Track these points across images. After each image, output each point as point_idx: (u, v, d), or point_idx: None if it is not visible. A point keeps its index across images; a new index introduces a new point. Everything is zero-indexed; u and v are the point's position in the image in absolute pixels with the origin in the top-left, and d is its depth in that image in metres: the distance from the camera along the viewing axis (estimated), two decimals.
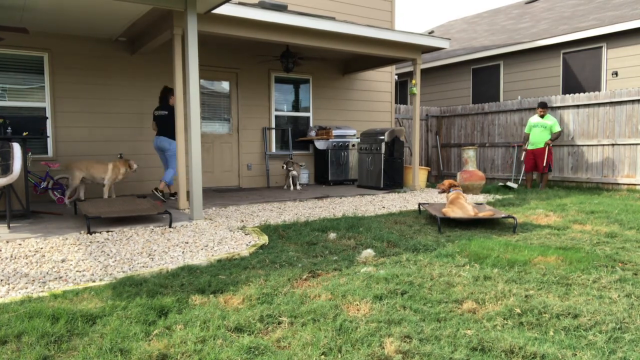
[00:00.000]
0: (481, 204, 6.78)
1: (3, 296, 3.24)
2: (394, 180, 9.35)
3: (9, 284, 3.48)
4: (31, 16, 6.77)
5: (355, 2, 10.71)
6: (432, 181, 12.33)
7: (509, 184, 9.61)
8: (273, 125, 10.13)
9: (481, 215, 5.71)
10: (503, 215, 5.74)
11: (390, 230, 5.36)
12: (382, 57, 9.75)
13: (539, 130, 9.36)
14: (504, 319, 2.83)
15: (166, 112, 7.35)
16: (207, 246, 4.66)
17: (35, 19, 6.94)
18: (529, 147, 9.50)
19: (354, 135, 10.46)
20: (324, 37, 8.11)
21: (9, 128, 6.20)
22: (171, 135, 7.24)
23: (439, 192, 6.55)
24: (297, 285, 3.48)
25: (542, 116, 9.32)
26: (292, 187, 9.40)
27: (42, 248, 4.46)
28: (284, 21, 7.46)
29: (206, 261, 4.08)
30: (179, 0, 5.80)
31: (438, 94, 15.31)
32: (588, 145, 9.75)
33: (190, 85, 5.93)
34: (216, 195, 8.41)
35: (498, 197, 8.51)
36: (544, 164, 9.32)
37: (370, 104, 11.45)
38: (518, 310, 2.92)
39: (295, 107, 10.53)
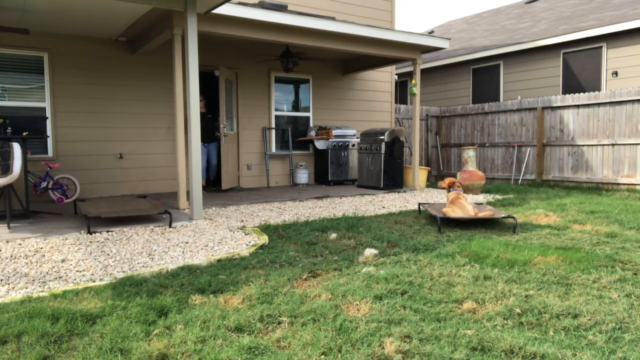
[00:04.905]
0: (481, 203, 6.78)
1: (3, 296, 3.24)
2: (394, 180, 9.35)
3: (9, 284, 3.48)
4: (31, 16, 6.77)
5: (355, 2, 10.71)
6: (432, 181, 12.33)
7: None
8: (273, 125, 10.13)
9: (481, 215, 5.71)
10: (503, 215, 5.74)
11: (390, 230, 5.36)
12: (382, 57, 9.75)
13: None
14: (504, 319, 2.83)
15: None
16: (207, 246, 4.66)
17: (35, 19, 6.94)
18: None
19: (354, 135, 10.45)
20: (324, 37, 8.11)
21: (9, 128, 6.22)
22: None
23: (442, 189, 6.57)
24: (297, 285, 3.48)
25: None
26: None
27: (42, 248, 4.46)
28: (284, 21, 7.46)
29: (206, 261, 4.08)
30: (179, 0, 5.80)
31: (438, 94, 15.31)
32: (588, 145, 9.75)
33: (191, 86, 5.92)
34: (216, 195, 8.41)
35: (498, 197, 8.51)
36: None
37: (370, 104, 11.45)
38: (518, 310, 2.92)
39: (295, 107, 10.52)
